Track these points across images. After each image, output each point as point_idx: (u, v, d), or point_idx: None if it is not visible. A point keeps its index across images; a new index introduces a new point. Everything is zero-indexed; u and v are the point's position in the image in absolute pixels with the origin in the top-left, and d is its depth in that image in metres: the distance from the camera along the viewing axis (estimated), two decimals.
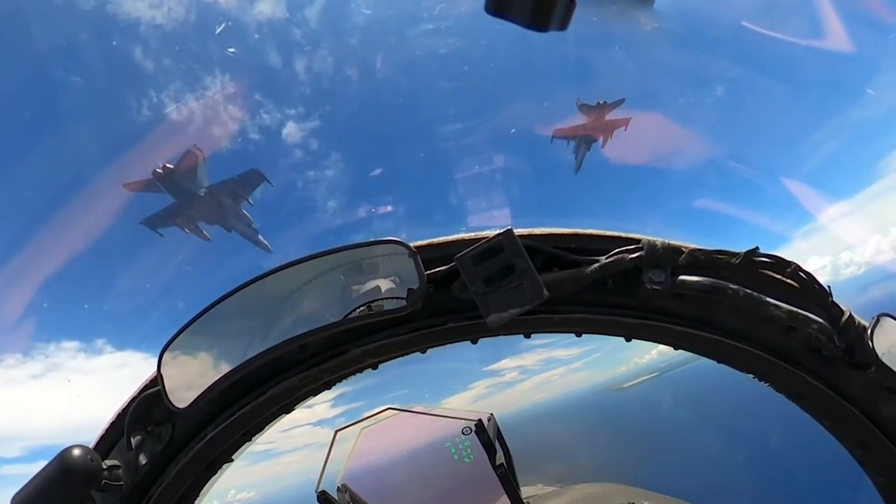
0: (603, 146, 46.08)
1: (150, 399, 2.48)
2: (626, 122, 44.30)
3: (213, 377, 2.37)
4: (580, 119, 44.23)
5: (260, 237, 47.14)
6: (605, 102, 42.59)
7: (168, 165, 40.24)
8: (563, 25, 1.42)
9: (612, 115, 43.33)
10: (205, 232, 45.24)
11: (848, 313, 2.37)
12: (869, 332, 2.35)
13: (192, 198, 41.58)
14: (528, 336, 2.60)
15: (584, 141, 45.32)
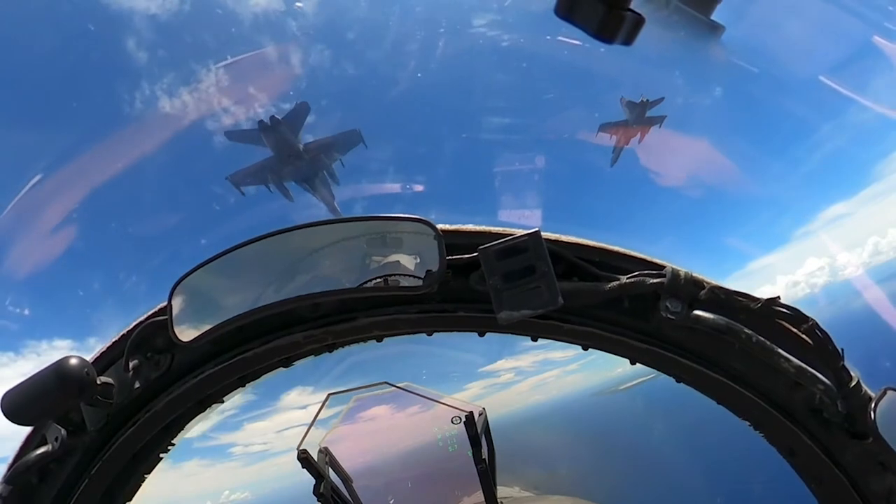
0: (640, 142, 48.69)
1: (155, 327, 2.53)
2: (662, 119, 46.77)
3: (220, 318, 2.40)
4: (622, 115, 46.78)
5: (336, 203, 47.21)
6: (647, 100, 45.04)
7: (276, 116, 40.24)
8: (628, 41, 1.41)
9: (651, 113, 46.01)
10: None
11: (856, 380, 2.32)
12: (873, 403, 2.31)
13: (291, 152, 41.52)
14: (535, 339, 2.60)
15: (624, 137, 48.13)
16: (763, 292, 2.32)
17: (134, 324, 2.59)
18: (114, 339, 2.64)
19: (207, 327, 2.40)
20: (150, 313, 2.58)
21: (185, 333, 2.41)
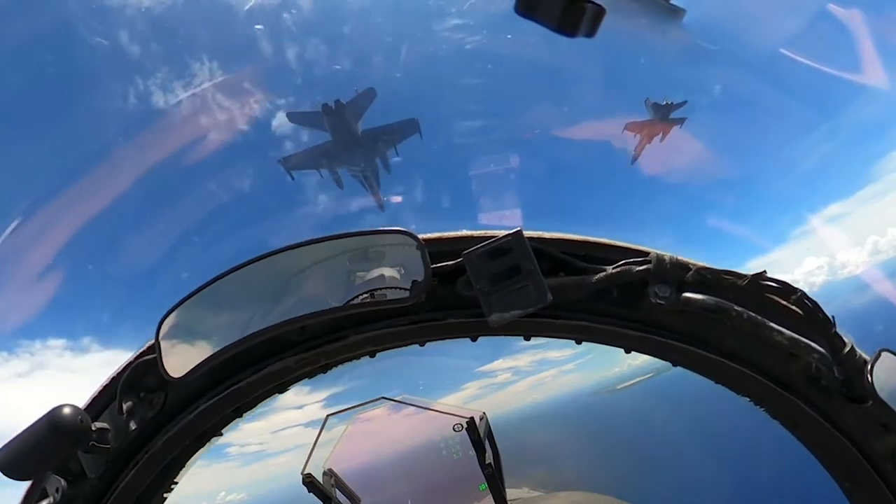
0: (661, 141, 49.44)
1: (146, 366, 2.49)
2: (682, 121, 47.70)
3: (210, 350, 2.38)
4: (643, 116, 47.64)
5: (380, 193, 47.16)
6: (671, 103, 46.03)
7: (341, 100, 39.67)
8: (590, 32, 1.42)
9: (674, 115, 47.03)
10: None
11: (850, 345, 2.36)
12: (869, 366, 2.34)
13: (350, 138, 41.20)
14: (527, 338, 2.60)
15: (647, 135, 49.16)
16: (755, 271, 2.35)
17: (123, 364, 2.56)
18: (105, 383, 2.60)
19: (198, 361, 2.37)
20: (138, 352, 2.55)
21: (177, 369, 2.38)
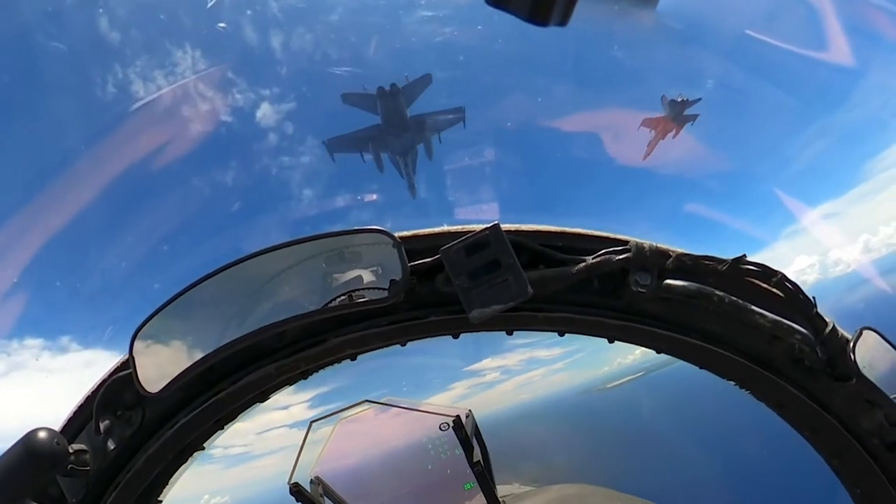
0: (674, 137, 51.39)
1: (121, 382, 2.46)
2: (695, 117, 49.43)
3: (186, 362, 2.35)
4: (653, 113, 49.79)
5: (414, 179, 48.09)
6: (686, 100, 47.66)
7: (396, 85, 40.32)
8: (563, 21, 1.41)
9: (689, 111, 48.80)
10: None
11: (831, 325, 2.41)
12: (851, 344, 2.40)
13: (399, 123, 41.87)
14: (510, 333, 2.61)
15: (662, 131, 51.02)
16: (735, 255, 2.39)
17: (98, 383, 2.51)
18: (79, 403, 2.55)
19: (175, 374, 2.34)
20: (112, 369, 2.51)
21: (153, 384, 2.34)
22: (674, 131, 50.71)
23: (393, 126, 42.01)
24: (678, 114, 48.36)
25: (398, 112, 41.23)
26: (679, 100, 47.55)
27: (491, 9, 1.38)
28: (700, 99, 48.17)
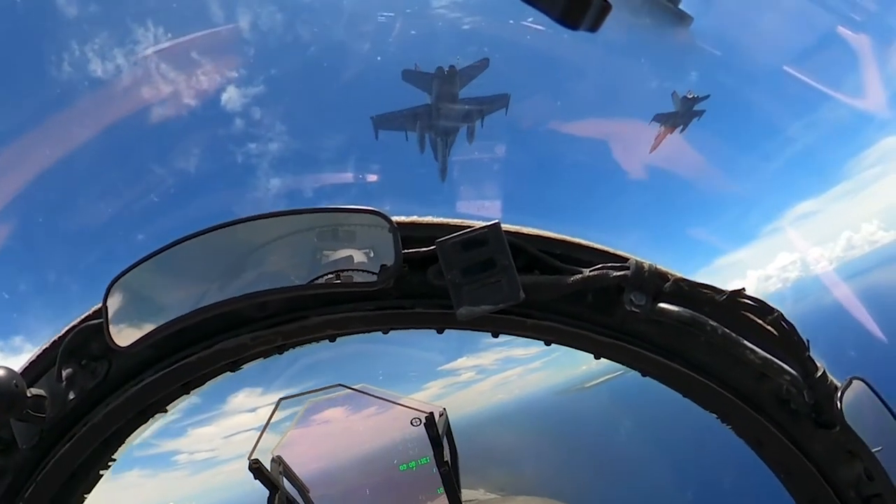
0: (682, 132, 53.70)
1: (90, 331, 2.45)
2: (701, 113, 51.57)
3: (160, 320, 2.35)
4: (667, 108, 51.95)
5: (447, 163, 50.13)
6: (696, 96, 49.94)
7: (454, 66, 41.99)
8: (594, 27, 1.43)
9: (698, 107, 51.04)
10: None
11: (822, 370, 2.43)
12: (839, 392, 2.42)
13: (449, 104, 43.67)
14: (496, 335, 2.62)
15: (670, 125, 53.42)
16: (734, 287, 2.40)
17: (66, 328, 2.51)
18: (44, 346, 2.55)
19: (147, 330, 2.34)
20: (83, 316, 2.50)
21: (123, 338, 2.34)
22: (681, 127, 52.94)
23: (443, 107, 43.62)
24: (688, 109, 50.48)
25: (450, 93, 42.88)
26: (690, 96, 49.56)
27: (524, 5, 1.38)
28: (709, 96, 50.32)
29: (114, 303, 2.36)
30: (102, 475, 2.81)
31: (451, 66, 41.87)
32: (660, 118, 52.88)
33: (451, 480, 4.86)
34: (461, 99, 43.99)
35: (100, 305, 2.37)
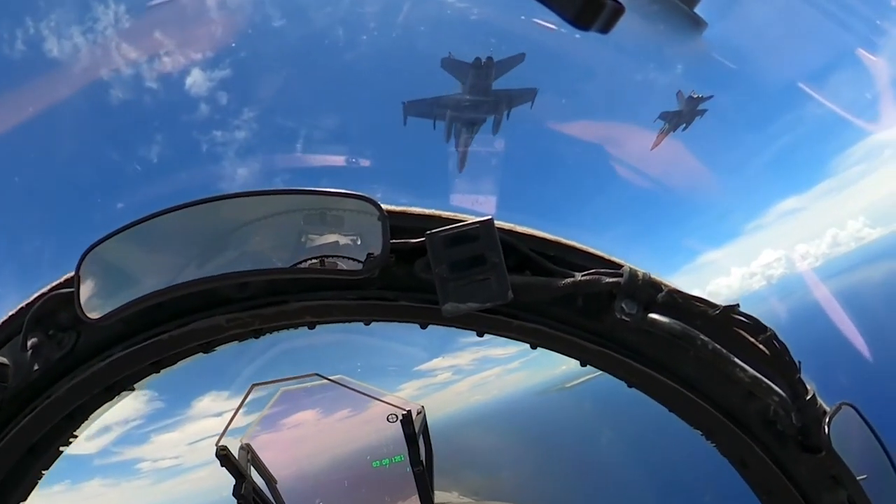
0: (685, 130, 56.66)
1: (60, 300, 2.44)
2: (703, 112, 54.67)
3: (134, 294, 2.33)
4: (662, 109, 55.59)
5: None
6: (700, 96, 52.89)
7: (492, 58, 43.73)
8: (605, 29, 1.45)
9: (701, 106, 54.14)
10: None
11: (812, 393, 2.45)
12: (828, 417, 2.44)
13: (481, 95, 45.64)
14: (480, 335, 2.63)
15: (673, 123, 56.49)
16: (717, 284, 2.42)
17: (35, 296, 2.49)
18: (10, 313, 2.53)
19: (119, 304, 2.32)
20: (54, 284, 2.48)
21: (94, 310, 2.32)
22: (684, 125, 55.97)
23: (475, 97, 45.53)
24: (693, 108, 53.60)
25: (484, 84, 44.73)
26: (695, 96, 52.59)
27: (535, 2, 1.40)
28: (713, 96, 53.52)
29: (87, 272, 2.34)
30: (63, 451, 2.80)
31: (489, 58, 43.41)
32: (665, 116, 55.28)
33: (424, 481, 4.88)
34: (493, 90, 45.65)
35: (72, 274, 2.35)
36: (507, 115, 48.42)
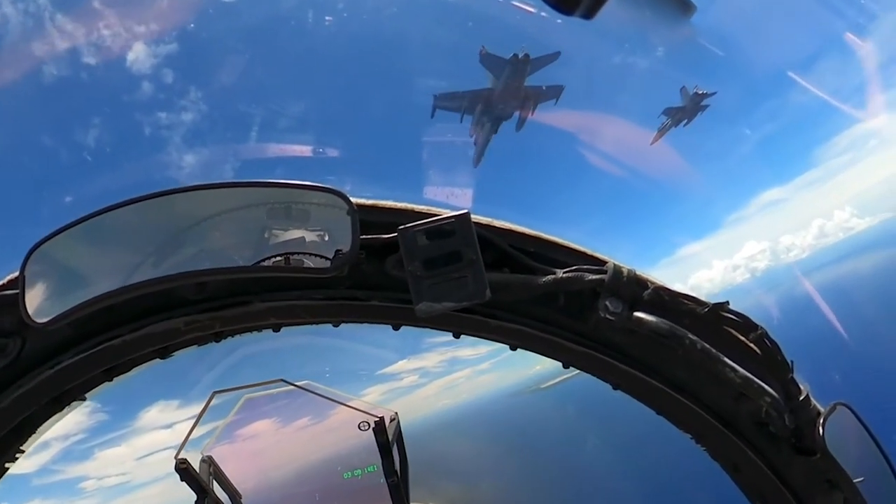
0: (686, 125, 60.87)
1: (3, 303, 2.38)
2: (705, 108, 58.94)
3: (84, 296, 2.28)
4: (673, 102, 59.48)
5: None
6: (703, 92, 57.08)
7: (528, 54, 46.41)
8: (589, 14, 1.46)
9: (704, 102, 58.26)
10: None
11: (805, 394, 2.48)
12: (822, 418, 2.47)
13: (512, 91, 48.50)
14: (457, 336, 2.62)
15: (676, 119, 60.81)
16: (698, 277, 2.45)
17: None
18: None
19: (68, 306, 2.27)
20: None
21: (41, 313, 2.27)
22: (686, 120, 60.06)
23: (507, 92, 48.40)
24: (696, 104, 57.76)
25: (517, 80, 47.56)
26: (699, 92, 56.57)
27: None
28: (716, 92, 57.30)
29: (33, 273, 2.29)
30: (9, 468, 2.73)
31: (526, 54, 46.04)
32: (668, 112, 59.44)
33: (399, 492, 4.86)
34: (524, 87, 48.61)
35: (16, 275, 2.30)
36: (533, 111, 51.34)
